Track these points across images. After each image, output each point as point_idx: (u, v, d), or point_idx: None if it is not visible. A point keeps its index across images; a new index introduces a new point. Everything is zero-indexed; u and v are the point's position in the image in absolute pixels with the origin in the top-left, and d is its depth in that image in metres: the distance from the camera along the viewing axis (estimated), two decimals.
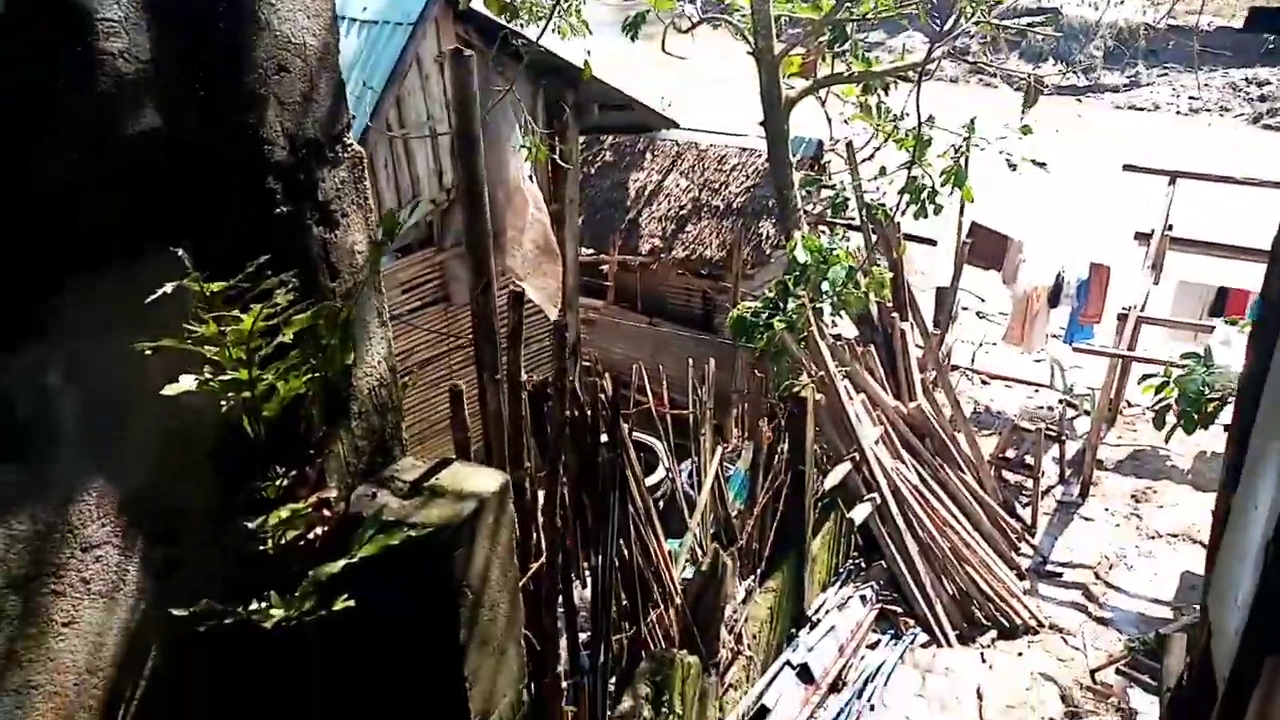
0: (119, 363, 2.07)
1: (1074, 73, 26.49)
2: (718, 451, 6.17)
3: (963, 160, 7.53)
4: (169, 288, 1.85)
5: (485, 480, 2.80)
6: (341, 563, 2.41)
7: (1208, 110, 26.15)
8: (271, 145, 2.28)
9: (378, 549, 2.46)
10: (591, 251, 11.54)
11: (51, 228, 1.91)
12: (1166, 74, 27.02)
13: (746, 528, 6.26)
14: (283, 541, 2.41)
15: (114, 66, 1.92)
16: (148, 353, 1.98)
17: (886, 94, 10.91)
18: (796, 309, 7.61)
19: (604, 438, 4.18)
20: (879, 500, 8.63)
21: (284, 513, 2.39)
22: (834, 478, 8.04)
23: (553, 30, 9.42)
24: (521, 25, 9.45)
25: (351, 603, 2.41)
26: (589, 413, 4.07)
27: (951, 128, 9.50)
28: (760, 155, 11.66)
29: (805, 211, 10.71)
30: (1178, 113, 26.52)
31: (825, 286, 8.50)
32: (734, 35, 11.40)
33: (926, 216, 7.65)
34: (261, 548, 2.38)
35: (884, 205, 8.41)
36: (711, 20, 11.29)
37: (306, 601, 2.39)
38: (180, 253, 1.87)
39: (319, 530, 2.49)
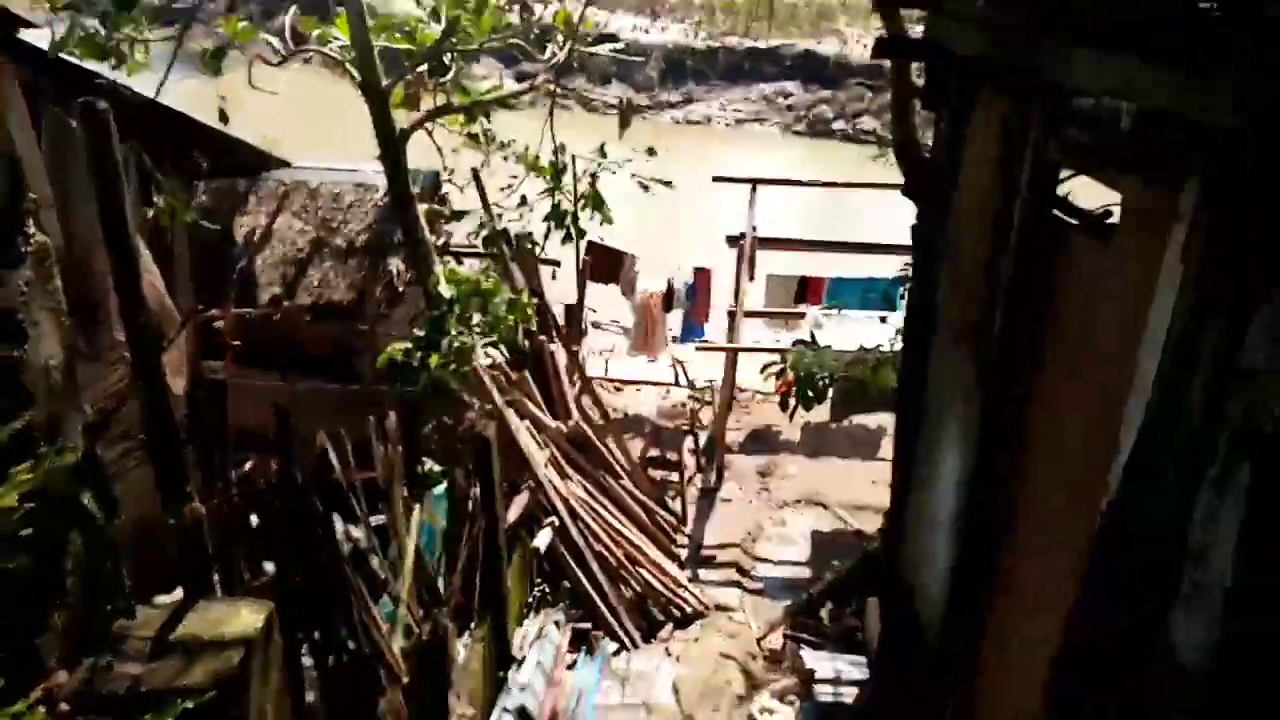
0: None
1: (642, 94, 28.77)
2: (415, 510, 5.83)
3: (596, 185, 7.84)
4: None
5: (245, 617, 2.36)
6: None
7: (749, 121, 29.80)
8: None
9: None
10: (202, 308, 10.35)
11: None
12: (713, 91, 30.35)
13: (453, 583, 5.99)
14: None
15: None
16: None
17: (489, 121, 11.04)
18: (460, 345, 7.43)
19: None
20: (557, 523, 8.73)
21: None
22: (516, 509, 7.99)
23: (113, 65, 8.33)
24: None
25: None
26: (296, 511, 3.64)
27: (546, 150, 9.85)
28: (376, 190, 11.23)
29: (433, 244, 10.51)
30: (725, 125, 29.92)
31: (479, 318, 8.40)
32: (335, 70, 10.86)
33: (573, 240, 7.87)
34: None
35: (530, 234, 8.52)
36: (302, 53, 10.65)
37: None
38: None
39: None
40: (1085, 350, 3.01)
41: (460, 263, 11.73)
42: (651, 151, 8.16)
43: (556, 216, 7.47)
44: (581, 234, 7.77)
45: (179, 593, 2.72)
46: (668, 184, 8.15)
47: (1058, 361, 3.18)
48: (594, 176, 7.82)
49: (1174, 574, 2.25)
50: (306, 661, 4.19)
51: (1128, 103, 2.63)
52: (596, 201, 7.70)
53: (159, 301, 7.68)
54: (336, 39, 10.08)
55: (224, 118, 7.31)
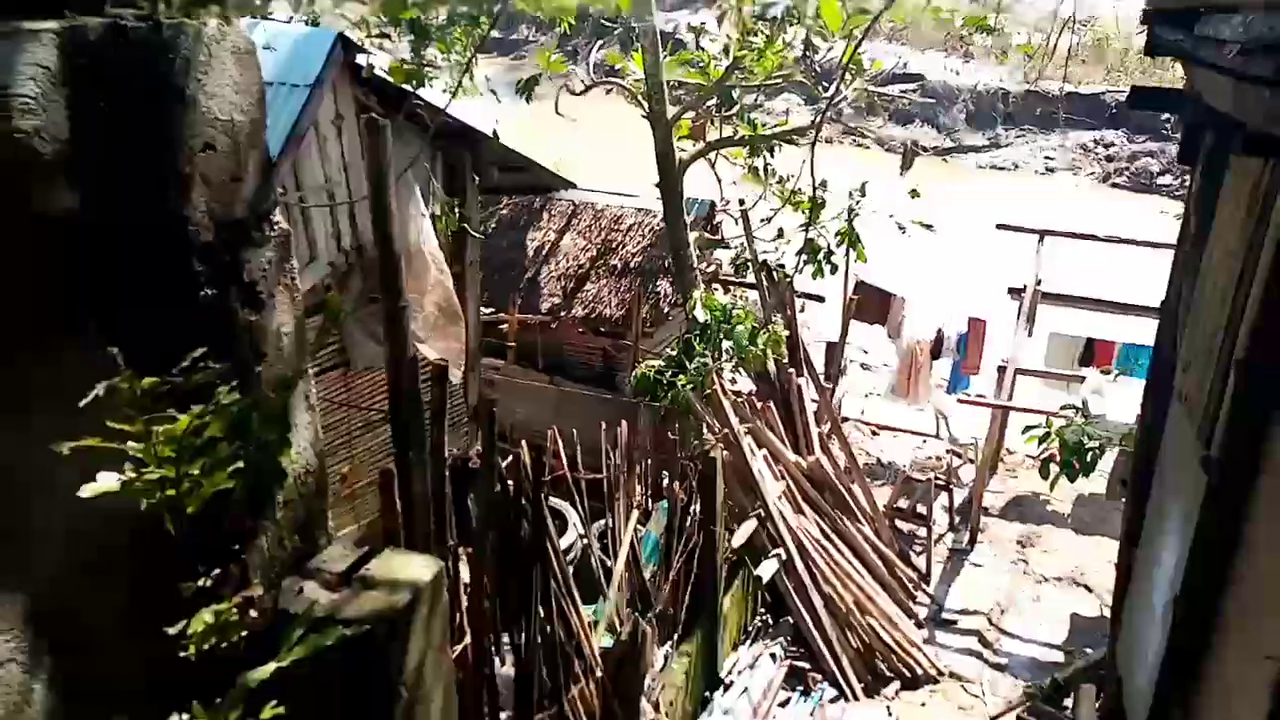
0: (22, 461, 1.90)
1: (944, 135, 27.93)
2: (633, 516, 6.10)
3: (854, 222, 7.82)
4: (101, 389, 1.71)
5: (418, 568, 2.67)
6: (271, 667, 2.25)
7: (1063, 170, 27.96)
8: (197, 226, 2.15)
9: (309, 650, 2.31)
10: (491, 311, 11.41)
11: None
12: (1024, 135, 28.80)
13: (662, 592, 6.20)
14: (206, 647, 2.24)
15: (28, 146, 1.78)
16: (64, 452, 1.82)
17: (772, 156, 11.27)
18: (700, 367, 7.68)
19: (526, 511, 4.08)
20: (784, 556, 8.70)
21: (207, 616, 2.22)
22: (741, 536, 8.07)
23: (445, 90, 9.41)
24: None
25: (281, 710, 2.25)
26: (511, 487, 3.97)
27: (832, 188, 9.88)
28: (655, 215, 11.81)
29: (700, 270, 10.89)
30: (1036, 172, 28.26)
31: (727, 345, 8.60)
32: (627, 99, 11.60)
33: (824, 276, 7.89)
34: (183, 654, 2.20)
35: (782, 266, 8.64)
36: (604, 84, 11.47)
37: (233, 711, 2.21)
38: (115, 352, 1.73)
39: (245, 632, 2.32)
40: None
41: (727, 291, 12.06)
42: (914, 194, 7.99)
43: (810, 252, 7.52)
44: (835, 269, 7.76)
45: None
46: (928, 227, 7.94)
47: None
48: (851, 213, 7.79)
49: None
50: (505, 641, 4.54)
51: None
52: (852, 239, 7.66)
53: (447, 300, 8.58)
54: (634, 72, 10.78)
55: (496, 137, 8.08)
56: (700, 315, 8.72)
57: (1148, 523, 3.93)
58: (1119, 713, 3.92)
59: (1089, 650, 9.36)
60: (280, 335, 2.45)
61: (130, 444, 1.92)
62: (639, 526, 6.65)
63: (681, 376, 8.53)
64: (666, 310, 11.33)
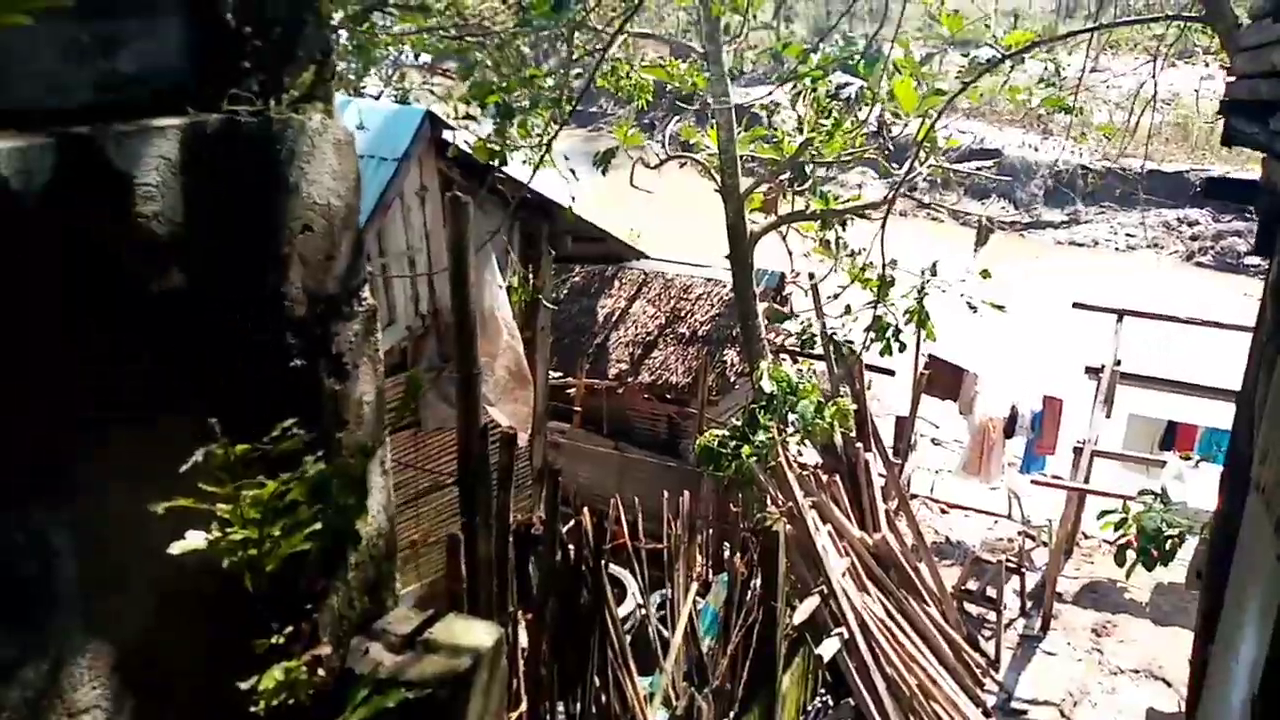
0: (121, 520, 2.04)
1: (1021, 210, 27.72)
2: (693, 587, 6.10)
3: (924, 300, 7.83)
4: (200, 455, 1.84)
5: (480, 634, 2.74)
6: None
7: (1145, 247, 27.42)
8: (293, 303, 2.31)
9: (372, 711, 2.39)
10: (559, 376, 11.61)
11: (73, 386, 1.90)
12: (1104, 212, 28.40)
13: (720, 667, 6.15)
14: (274, 703, 2.33)
15: (148, 229, 1.95)
16: (159, 511, 1.96)
17: (844, 229, 11.34)
18: (766, 439, 7.69)
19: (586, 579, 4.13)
20: (846, 635, 8.54)
21: (278, 673, 2.32)
22: (803, 612, 7.96)
23: (525, 163, 9.75)
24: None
25: None
26: (572, 554, 4.03)
27: (904, 262, 9.88)
28: (724, 285, 11.94)
29: (768, 341, 10.94)
30: (1116, 249, 27.79)
31: (792, 417, 8.60)
32: (699, 173, 11.84)
33: (892, 354, 7.89)
34: (253, 709, 2.30)
35: (850, 341, 8.65)
36: (678, 158, 11.73)
37: None
38: (213, 422, 1.87)
39: (312, 690, 2.41)
40: None
41: (795, 362, 12.06)
42: (985, 274, 7.97)
43: (879, 329, 7.53)
44: (904, 347, 7.75)
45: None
46: (1000, 308, 7.89)
47: None
48: (921, 292, 7.80)
49: None
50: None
51: None
52: (922, 319, 7.66)
53: (517, 364, 8.78)
54: (707, 146, 11.01)
55: (570, 211, 8.33)
56: (767, 386, 8.76)
57: (1224, 617, 3.81)
58: None
59: None
60: (362, 404, 2.58)
61: (219, 505, 2.05)
62: (698, 599, 6.64)
63: (746, 447, 8.54)
64: (733, 380, 11.39)
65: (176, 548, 2.04)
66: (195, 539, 2.07)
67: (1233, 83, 4.08)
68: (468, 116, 7.01)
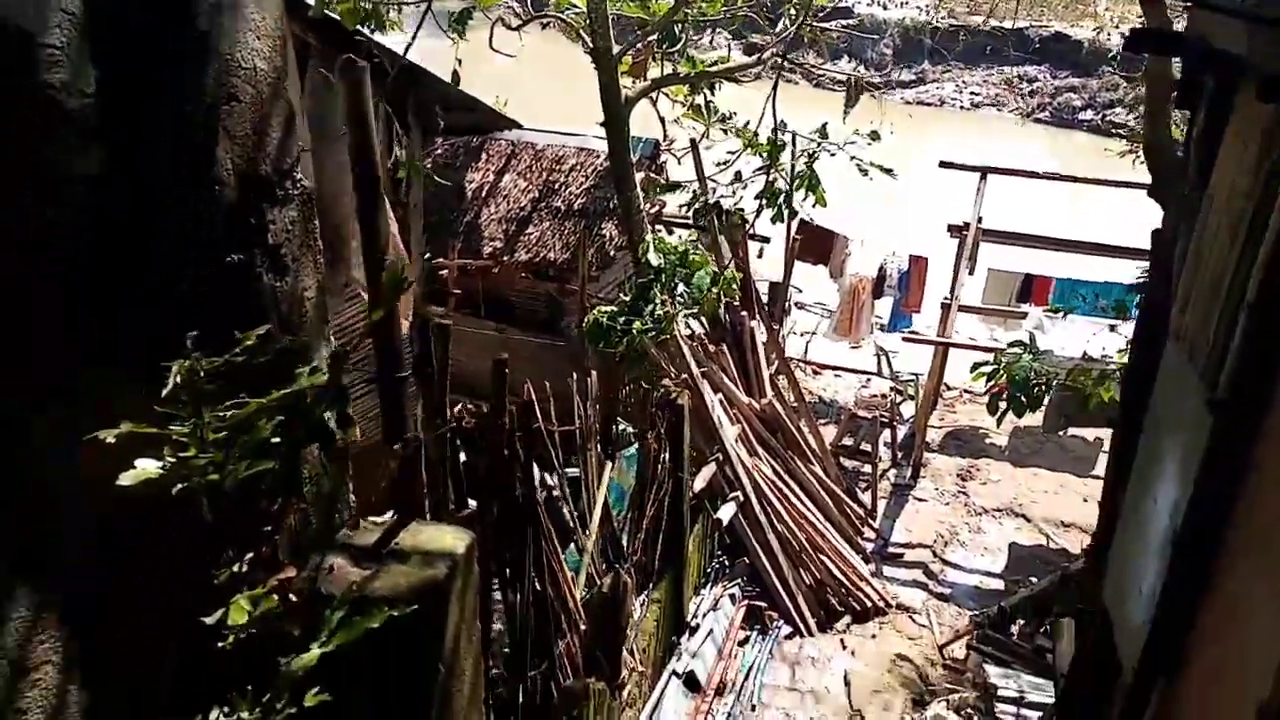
0: (55, 452, 1.72)
1: (872, 71, 27.99)
2: (607, 467, 6.04)
3: (814, 164, 7.77)
4: (176, 372, 1.54)
5: (451, 540, 2.56)
6: (315, 652, 2.13)
7: (987, 105, 28.33)
8: (222, 185, 1.96)
9: (354, 634, 2.19)
10: (430, 257, 11.09)
11: None
12: (950, 71, 29.04)
13: (636, 541, 6.18)
14: (243, 636, 2.10)
15: (56, 102, 1.57)
16: (109, 440, 1.66)
17: (713, 94, 11.10)
18: (660, 313, 7.60)
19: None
20: (742, 498, 8.78)
21: (245, 603, 2.08)
22: (703, 480, 8.10)
23: (370, 26, 8.98)
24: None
25: (326, 697, 2.14)
26: (505, 450, 3.85)
27: (769, 124, 9.77)
28: (598, 155, 11.57)
29: (646, 212, 10.73)
30: (961, 107, 28.59)
31: (682, 289, 8.53)
32: (566, 35, 11.26)
33: (784, 220, 7.84)
34: (221, 644, 2.07)
35: (741, 210, 8.55)
36: (541, 18, 11.09)
37: (277, 702, 2.09)
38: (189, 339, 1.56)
39: (282, 617, 2.19)
40: None
41: (671, 233, 11.92)
42: (875, 136, 7.96)
43: (770, 195, 7.42)
44: (794, 214, 7.69)
45: (389, 515, 2.96)
46: (889, 171, 7.93)
47: None
48: (811, 157, 7.72)
49: None
50: (496, 596, 4.46)
51: None
52: (811, 183, 7.60)
53: (394, 246, 8.29)
54: (573, 5, 10.43)
55: (456, 79, 7.77)
56: (654, 259, 8.61)
57: (1139, 461, 4.01)
58: (1107, 648, 4.04)
59: (1034, 579, 9.72)
60: (305, 301, 2.28)
61: (173, 429, 1.76)
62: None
63: (637, 322, 8.43)
64: (613, 254, 11.17)
65: (126, 478, 1.75)
66: (146, 466, 1.78)
67: None
68: None
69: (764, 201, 7.47)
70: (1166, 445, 3.69)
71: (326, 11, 6.44)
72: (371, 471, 3.48)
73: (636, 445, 6.66)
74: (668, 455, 6.44)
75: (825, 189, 8.09)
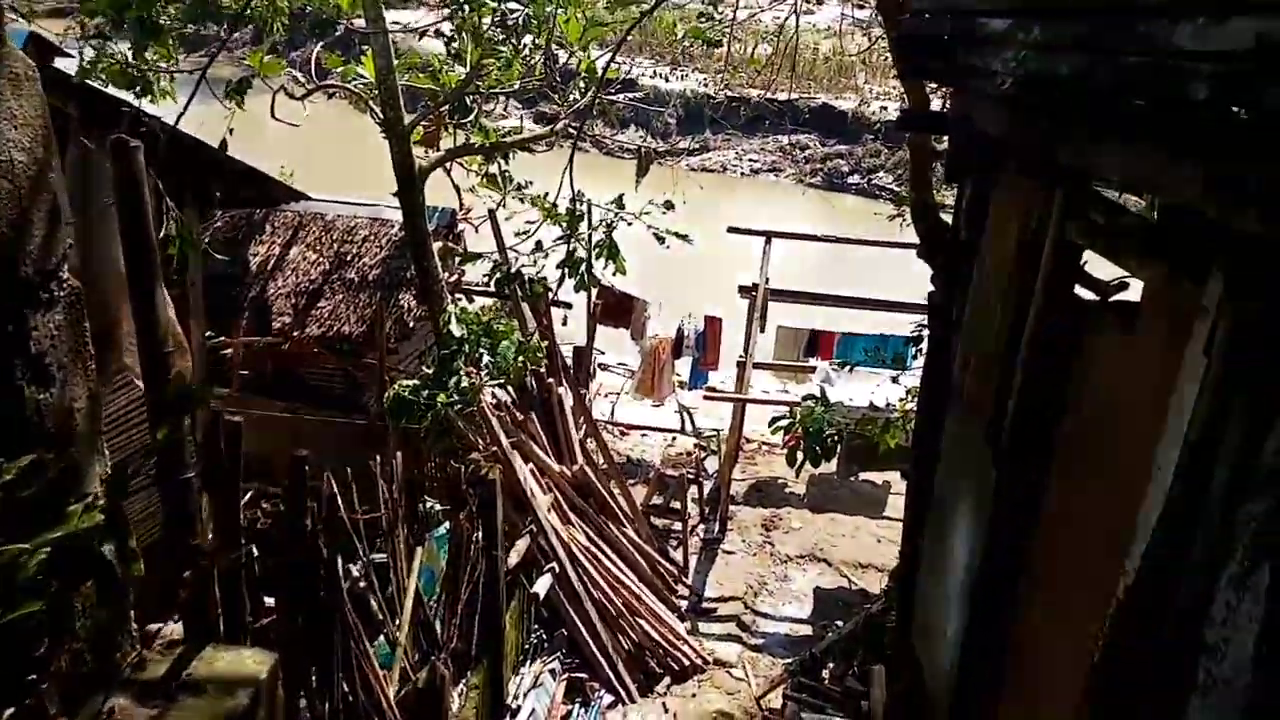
0: None
1: (658, 140, 29.06)
2: (416, 551, 5.78)
3: (613, 233, 7.90)
4: None
5: (251, 663, 2.32)
6: None
7: (765, 171, 30.04)
8: None
9: None
10: (212, 336, 10.41)
11: None
12: (730, 139, 30.61)
13: (450, 628, 5.93)
14: None
15: None
16: None
17: (507, 163, 11.14)
18: (466, 384, 7.43)
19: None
20: (557, 569, 8.65)
21: None
22: (517, 554, 7.92)
23: (138, 94, 8.42)
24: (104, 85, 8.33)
25: None
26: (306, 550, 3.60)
27: (567, 194, 9.90)
28: (392, 225, 11.31)
29: (445, 282, 10.56)
30: (742, 174, 30.14)
31: (486, 359, 8.41)
32: (353, 105, 11.01)
33: (587, 288, 7.90)
34: None
35: (544, 278, 8.54)
36: (328, 88, 10.80)
37: None
38: None
39: None
40: (1105, 433, 2.98)
41: (472, 301, 11.78)
42: (669, 205, 8.22)
43: (571, 264, 7.48)
44: (596, 282, 7.78)
45: (175, 626, 2.69)
46: (684, 237, 8.19)
47: (1076, 442, 3.15)
48: (610, 227, 7.86)
49: (1190, 663, 2.22)
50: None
51: (1151, 192, 2.62)
52: (611, 252, 7.73)
53: (170, 328, 7.71)
54: (361, 76, 10.22)
55: (224, 146, 7.40)
56: (456, 330, 8.44)
57: (936, 508, 4.24)
58: (919, 693, 4.21)
59: (840, 623, 10.09)
60: (73, 412, 2.03)
61: None
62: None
63: (441, 395, 8.22)
64: (411, 325, 10.90)
65: None
66: None
67: (911, 19, 4.38)
68: (96, 36, 5.83)
69: (565, 270, 7.50)
70: (959, 494, 3.93)
71: (88, 80, 5.97)
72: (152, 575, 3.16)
73: (447, 524, 6.43)
74: (480, 532, 6.25)
75: (625, 257, 8.23)
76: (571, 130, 10.42)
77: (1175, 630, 2.35)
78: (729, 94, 30.95)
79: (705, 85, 31.30)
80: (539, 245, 8.02)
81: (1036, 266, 3.14)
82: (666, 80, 30.85)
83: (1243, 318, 2.08)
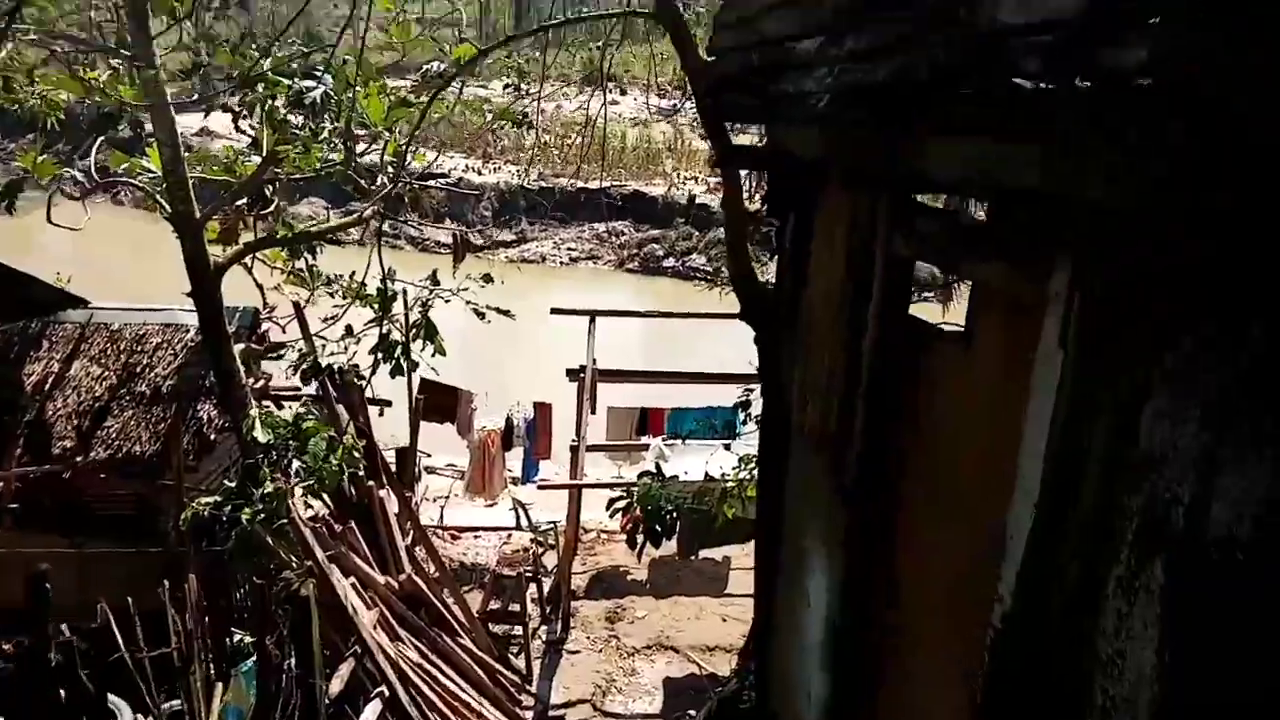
0: None
1: (474, 232, 28.89)
2: (217, 690, 5.05)
3: (429, 312, 7.46)
4: None
5: None
6: None
7: (584, 259, 30.38)
8: None
9: None
10: None
11: None
12: (547, 229, 30.85)
13: None
14: None
15: None
16: None
17: (314, 257, 10.57)
18: (272, 496, 6.77)
19: None
20: (388, 693, 7.90)
21: None
22: (340, 680, 7.18)
23: None
24: None
25: None
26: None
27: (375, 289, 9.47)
28: (187, 330, 10.46)
29: (250, 387, 9.78)
30: (561, 263, 30.33)
31: (296, 465, 7.75)
32: (136, 203, 10.20)
33: (404, 374, 7.38)
34: None
35: (356, 366, 7.94)
36: (115, 184, 9.96)
37: None
38: None
39: None
40: (956, 455, 2.87)
41: (281, 406, 10.97)
42: (488, 279, 7.90)
43: (386, 348, 6.97)
44: (415, 366, 7.28)
45: None
46: (507, 313, 7.87)
47: (928, 470, 3.03)
48: (425, 305, 7.43)
49: (1084, 686, 2.04)
50: None
51: (986, 187, 2.56)
52: (429, 331, 7.29)
53: None
54: (147, 169, 9.48)
55: None
56: (261, 436, 7.75)
57: (787, 565, 4.04)
58: None
59: (691, 713, 9.75)
60: None
61: None
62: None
63: (246, 509, 7.47)
64: (213, 438, 9.99)
65: None
66: None
67: (716, 61, 4.33)
68: None
69: (379, 356, 6.98)
70: (810, 542, 3.75)
71: None
72: None
73: (257, 656, 5.71)
74: (294, 660, 5.57)
75: (444, 338, 7.80)
76: (384, 216, 10.01)
77: (1063, 652, 2.17)
78: (542, 184, 31.40)
79: (518, 177, 31.57)
80: (349, 330, 7.47)
81: (868, 287, 3.04)
82: (479, 174, 30.92)
83: (1097, 297, 1.96)
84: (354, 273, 7.78)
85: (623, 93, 32.88)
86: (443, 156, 29.79)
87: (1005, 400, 2.44)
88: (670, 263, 30.04)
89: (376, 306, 7.06)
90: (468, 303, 7.65)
